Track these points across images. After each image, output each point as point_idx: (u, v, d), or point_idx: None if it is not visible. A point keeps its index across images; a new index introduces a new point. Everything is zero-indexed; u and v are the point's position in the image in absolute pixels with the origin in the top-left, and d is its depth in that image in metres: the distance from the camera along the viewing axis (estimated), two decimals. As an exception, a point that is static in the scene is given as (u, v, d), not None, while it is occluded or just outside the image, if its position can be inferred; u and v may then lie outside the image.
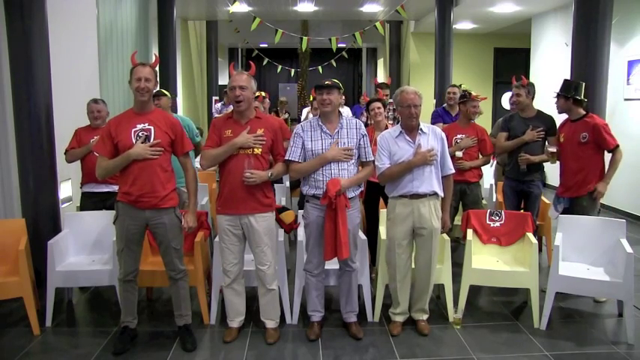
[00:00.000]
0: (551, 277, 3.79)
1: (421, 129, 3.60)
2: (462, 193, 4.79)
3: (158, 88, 3.76)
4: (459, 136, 4.77)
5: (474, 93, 4.78)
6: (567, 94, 4.25)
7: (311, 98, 7.42)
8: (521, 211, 4.66)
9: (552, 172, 4.74)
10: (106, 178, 3.57)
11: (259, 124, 3.47)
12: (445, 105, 5.88)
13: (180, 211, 3.53)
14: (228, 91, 3.45)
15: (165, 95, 4.79)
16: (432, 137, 3.60)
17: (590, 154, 4.18)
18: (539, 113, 4.65)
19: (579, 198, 4.24)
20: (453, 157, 4.53)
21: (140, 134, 3.28)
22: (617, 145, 4.17)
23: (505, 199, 4.76)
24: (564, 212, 4.29)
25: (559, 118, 4.52)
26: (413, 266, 3.74)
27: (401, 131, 3.61)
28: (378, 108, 4.67)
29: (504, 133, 4.70)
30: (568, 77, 5.07)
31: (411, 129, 3.60)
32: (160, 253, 3.48)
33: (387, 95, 6.45)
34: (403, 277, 3.68)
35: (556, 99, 4.33)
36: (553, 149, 4.36)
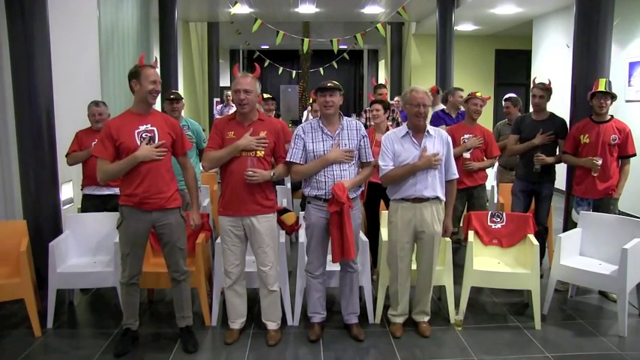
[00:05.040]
0: (553, 267, 4.03)
1: (428, 131, 3.57)
2: (468, 196, 4.79)
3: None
4: (466, 135, 4.71)
5: (477, 93, 4.79)
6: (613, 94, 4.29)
7: (310, 100, 7.42)
8: (530, 212, 4.66)
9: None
10: (108, 181, 3.54)
11: (262, 127, 3.47)
12: (445, 107, 5.87)
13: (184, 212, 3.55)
14: (233, 93, 3.43)
15: (182, 98, 4.77)
16: (437, 140, 3.57)
17: (615, 157, 4.29)
18: (552, 116, 4.65)
19: (607, 200, 4.31)
20: (459, 157, 4.53)
21: (144, 135, 3.26)
22: (635, 154, 4.30)
23: (514, 200, 4.75)
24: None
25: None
26: (414, 268, 3.74)
27: (407, 132, 3.57)
28: (377, 110, 4.66)
29: (516, 136, 4.69)
30: (570, 79, 5.07)
31: (418, 130, 3.56)
32: (164, 254, 3.47)
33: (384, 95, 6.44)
34: (405, 281, 3.68)
35: (609, 101, 4.29)
36: (599, 162, 4.22)
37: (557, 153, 4.62)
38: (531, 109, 4.78)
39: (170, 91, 4.90)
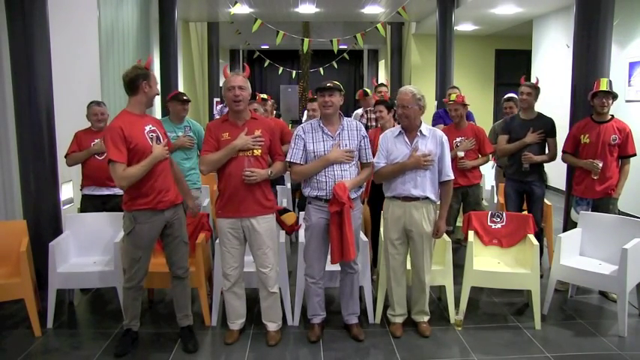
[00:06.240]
0: (553, 267, 4.02)
1: (421, 131, 3.57)
2: (463, 195, 4.82)
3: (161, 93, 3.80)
4: (458, 139, 4.76)
5: (452, 97, 4.84)
6: (613, 94, 4.28)
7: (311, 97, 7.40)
8: (524, 212, 4.67)
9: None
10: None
11: (256, 125, 3.48)
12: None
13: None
14: (226, 91, 3.41)
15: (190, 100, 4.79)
16: (431, 141, 3.56)
17: (615, 157, 4.28)
18: (540, 115, 4.66)
19: (607, 199, 4.30)
20: (454, 158, 4.55)
21: (151, 135, 3.28)
22: (635, 154, 4.30)
23: (507, 200, 4.77)
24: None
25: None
26: (409, 267, 3.75)
27: (400, 131, 3.60)
28: (381, 111, 4.66)
29: (505, 136, 4.71)
30: (570, 79, 5.08)
31: (407, 129, 3.59)
32: (169, 251, 3.47)
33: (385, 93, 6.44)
34: (399, 279, 3.68)
35: (611, 101, 4.28)
36: (600, 164, 4.22)
37: (547, 152, 4.64)
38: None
39: (176, 91, 4.90)
